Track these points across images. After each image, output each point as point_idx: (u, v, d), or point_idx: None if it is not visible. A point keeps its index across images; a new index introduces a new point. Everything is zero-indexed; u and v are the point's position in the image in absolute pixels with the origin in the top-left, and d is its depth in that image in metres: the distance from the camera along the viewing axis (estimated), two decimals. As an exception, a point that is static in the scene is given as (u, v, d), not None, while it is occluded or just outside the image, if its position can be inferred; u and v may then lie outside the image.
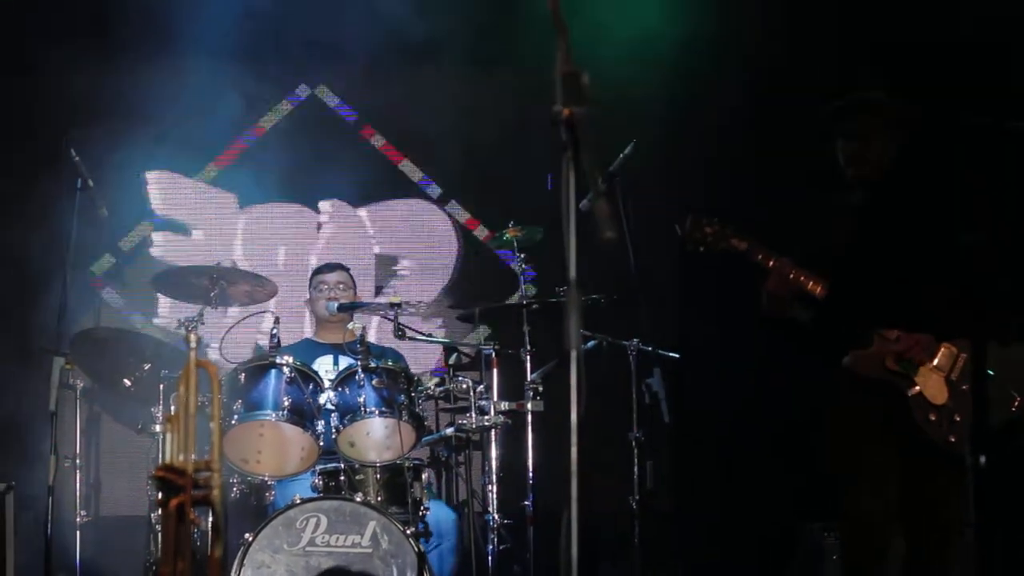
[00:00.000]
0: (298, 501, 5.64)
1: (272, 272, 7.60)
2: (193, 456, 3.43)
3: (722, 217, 5.16)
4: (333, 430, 5.91)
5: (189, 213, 8.32)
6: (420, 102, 8.38)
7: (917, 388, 5.06)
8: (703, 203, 5.24)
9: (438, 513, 6.15)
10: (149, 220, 8.28)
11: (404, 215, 8.45)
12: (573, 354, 3.01)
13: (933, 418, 5.05)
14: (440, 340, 6.65)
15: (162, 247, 8.27)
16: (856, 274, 5.10)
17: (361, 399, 5.89)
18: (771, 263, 5.12)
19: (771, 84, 8.05)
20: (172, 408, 5.93)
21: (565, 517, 2.99)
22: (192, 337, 3.33)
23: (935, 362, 5.10)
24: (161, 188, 8.29)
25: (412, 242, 8.40)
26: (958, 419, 5.04)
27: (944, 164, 4.92)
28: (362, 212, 8.45)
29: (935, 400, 5.06)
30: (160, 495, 3.35)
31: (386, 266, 8.33)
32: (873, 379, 5.09)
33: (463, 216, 8.56)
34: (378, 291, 8.23)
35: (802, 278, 5.10)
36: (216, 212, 8.36)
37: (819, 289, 5.09)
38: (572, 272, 3.04)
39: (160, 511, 5.56)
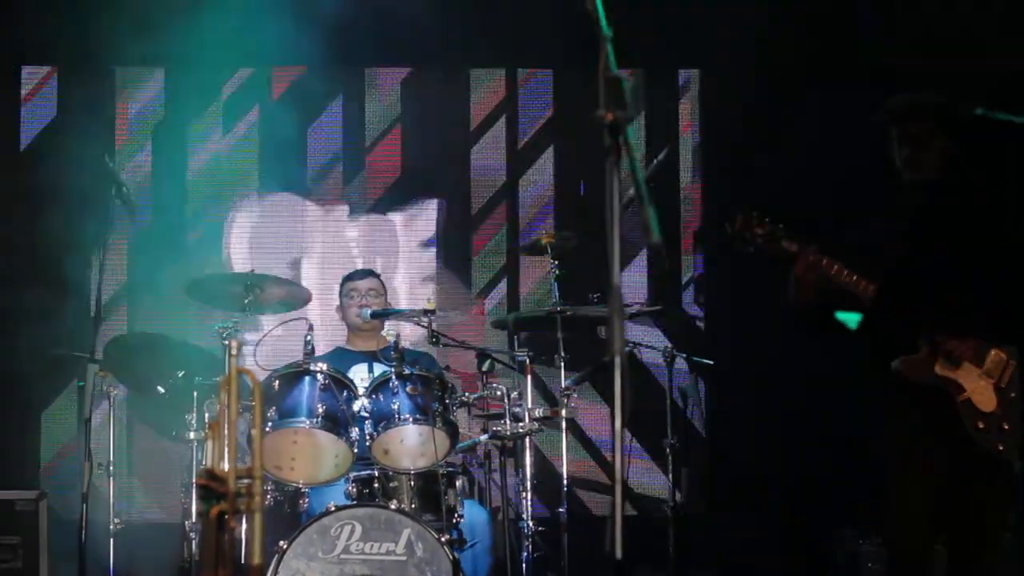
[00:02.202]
0: (332, 509, 5.63)
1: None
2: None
3: (774, 216, 5.07)
4: (367, 437, 5.90)
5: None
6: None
7: (966, 394, 5.01)
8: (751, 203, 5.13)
9: (472, 513, 6.13)
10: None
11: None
12: (617, 360, 2.98)
13: (981, 426, 4.98)
14: (474, 346, 6.63)
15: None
16: (913, 276, 5.03)
17: (395, 406, 5.87)
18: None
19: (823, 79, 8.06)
20: (206, 415, 5.94)
21: (609, 522, 2.96)
22: (234, 344, 3.32)
23: (984, 367, 5.04)
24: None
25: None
26: (1006, 427, 4.98)
27: (1000, 164, 4.87)
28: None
29: (984, 407, 5.00)
30: (201, 502, 3.33)
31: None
32: (922, 384, 5.04)
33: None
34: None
35: (853, 277, 5.00)
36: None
37: (870, 289, 4.99)
38: (615, 278, 3.00)
39: (198, 518, 5.60)
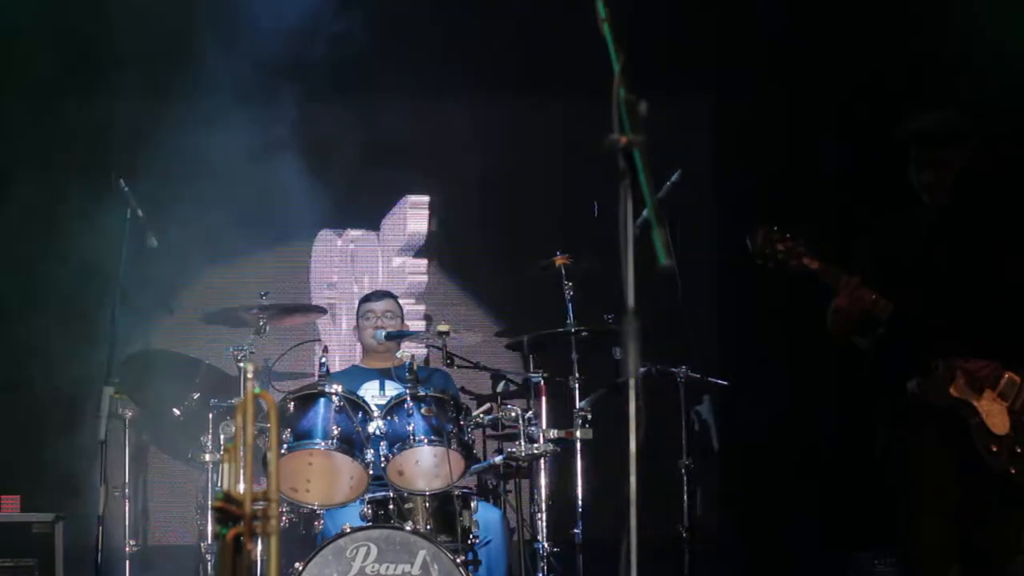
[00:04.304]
0: (348, 530, 5.64)
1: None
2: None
3: (795, 232, 5.05)
4: (382, 459, 5.90)
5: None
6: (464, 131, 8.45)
7: (980, 417, 5.00)
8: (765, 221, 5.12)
9: (484, 513, 6.12)
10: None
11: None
12: (632, 382, 2.99)
13: (995, 448, 4.98)
14: (488, 368, 6.64)
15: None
16: (929, 298, 5.03)
17: (410, 427, 5.87)
18: (842, 280, 5.01)
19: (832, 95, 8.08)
20: (221, 437, 5.95)
21: (624, 545, 2.96)
22: (250, 367, 3.33)
23: (999, 390, 5.03)
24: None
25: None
26: (1019, 451, 4.98)
27: (1017, 187, 4.87)
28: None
29: (997, 430, 4.99)
30: (217, 525, 3.34)
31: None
32: (937, 406, 5.03)
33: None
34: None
35: (872, 297, 5.00)
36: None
37: (887, 309, 4.99)
38: (630, 300, 3.01)
39: (213, 540, 5.60)
